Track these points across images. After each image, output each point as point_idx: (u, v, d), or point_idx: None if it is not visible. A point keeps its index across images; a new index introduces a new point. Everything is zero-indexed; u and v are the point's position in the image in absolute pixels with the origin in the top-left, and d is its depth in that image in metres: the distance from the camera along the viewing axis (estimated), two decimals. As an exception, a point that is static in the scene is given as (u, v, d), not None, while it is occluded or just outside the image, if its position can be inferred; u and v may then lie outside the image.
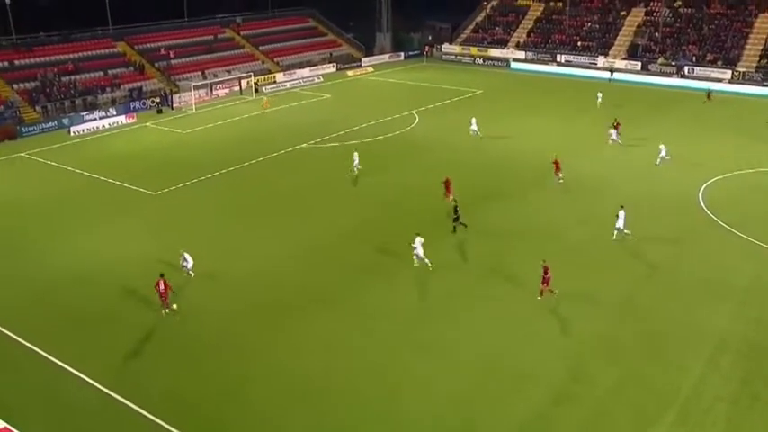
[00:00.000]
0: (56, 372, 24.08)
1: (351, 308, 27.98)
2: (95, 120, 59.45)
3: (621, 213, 32.63)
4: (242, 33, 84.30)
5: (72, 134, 56.32)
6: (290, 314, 27.46)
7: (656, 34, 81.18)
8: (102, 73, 67.56)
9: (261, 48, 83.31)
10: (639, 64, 78.07)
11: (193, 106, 64.81)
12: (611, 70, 78.02)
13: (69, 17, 73.00)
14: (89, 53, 69.91)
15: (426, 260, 30.32)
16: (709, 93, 65.17)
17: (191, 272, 30.14)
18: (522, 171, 43.85)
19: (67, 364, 24.35)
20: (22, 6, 65.74)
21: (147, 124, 59.69)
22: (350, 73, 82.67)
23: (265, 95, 68.44)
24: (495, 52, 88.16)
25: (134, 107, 63.69)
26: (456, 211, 34.40)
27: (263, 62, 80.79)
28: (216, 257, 32.26)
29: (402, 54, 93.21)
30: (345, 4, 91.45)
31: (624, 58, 79.73)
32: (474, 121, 51.24)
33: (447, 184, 37.98)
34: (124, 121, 60.14)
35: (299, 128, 55.05)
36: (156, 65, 72.92)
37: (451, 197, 36.89)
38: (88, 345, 25.62)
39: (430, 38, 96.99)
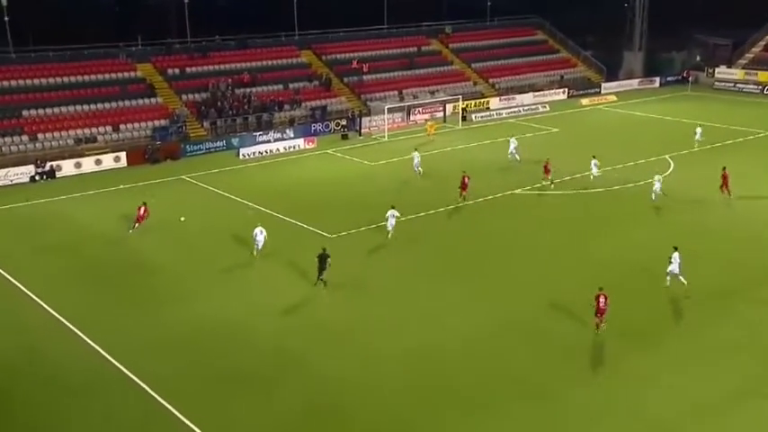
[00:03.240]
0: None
1: (556, 406, 26.35)
2: (269, 142, 62.64)
3: (675, 256, 33.81)
4: (451, 46, 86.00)
5: (241, 157, 59.48)
6: (473, 408, 26.21)
7: None
8: (281, 86, 71.53)
9: (473, 65, 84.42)
10: None
11: (385, 133, 66.25)
12: None
13: (250, 20, 78.28)
14: (269, 62, 74.45)
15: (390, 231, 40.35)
16: None
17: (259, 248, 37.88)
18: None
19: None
20: (199, 6, 71.43)
21: (329, 151, 61.74)
22: (585, 101, 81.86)
23: (432, 120, 69.09)
24: None
25: (315, 130, 66.42)
26: (323, 260, 34.46)
27: (474, 83, 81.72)
28: (393, 324, 31.96)
29: (657, 80, 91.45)
30: (586, 14, 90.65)
31: None
32: None
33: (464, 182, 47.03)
34: (302, 146, 62.66)
35: (512, 168, 55.00)
36: (346, 80, 75.78)
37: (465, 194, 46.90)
38: (232, 412, 26.08)
39: (698, 58, 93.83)
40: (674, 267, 33.91)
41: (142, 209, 42.25)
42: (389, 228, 40.87)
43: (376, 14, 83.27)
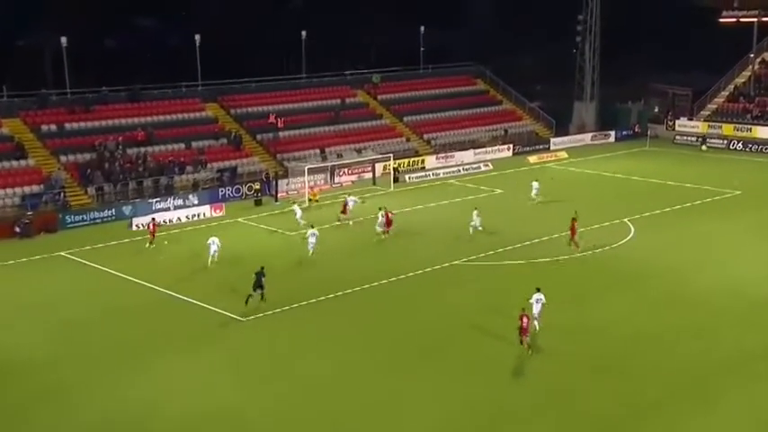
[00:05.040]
0: None
1: None
2: (169, 210, 61.13)
3: (538, 297, 37.71)
4: (380, 98, 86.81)
5: (134, 228, 57.63)
6: None
7: None
8: (182, 145, 70.61)
9: (405, 119, 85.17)
10: None
11: (306, 197, 65.25)
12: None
13: (144, 67, 76.93)
14: (167, 117, 73.58)
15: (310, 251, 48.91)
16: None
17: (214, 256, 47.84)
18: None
19: None
20: (82, 52, 69.69)
21: (240, 220, 60.50)
22: (532, 159, 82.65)
23: (316, 187, 68.53)
24: (764, 132, 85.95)
25: (224, 195, 65.52)
26: (260, 277, 41.32)
27: (407, 139, 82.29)
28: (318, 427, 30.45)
29: (612, 134, 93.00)
30: (531, 61, 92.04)
31: None
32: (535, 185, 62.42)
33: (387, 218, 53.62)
34: (208, 214, 61.38)
35: (455, 235, 54.82)
36: (259, 137, 75.27)
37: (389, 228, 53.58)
38: None
39: (656, 109, 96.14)
40: (536, 309, 37.33)
41: (151, 225, 52.62)
42: (310, 248, 48.96)
43: (293, 62, 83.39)
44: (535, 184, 63.11)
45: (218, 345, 37.79)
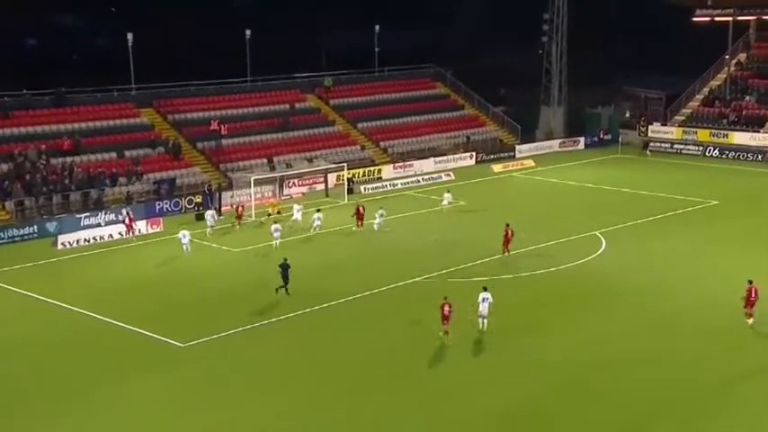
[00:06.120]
0: None
1: None
2: (99, 226, 59.98)
3: (485, 296, 40.22)
4: (332, 102, 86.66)
5: (59, 247, 56.43)
6: None
7: None
8: (114, 154, 69.45)
9: (360, 125, 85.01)
10: None
11: (252, 210, 64.61)
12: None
13: (70, 68, 74.92)
14: (97, 123, 72.39)
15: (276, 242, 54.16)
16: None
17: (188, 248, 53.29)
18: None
19: None
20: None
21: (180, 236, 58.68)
22: (496, 167, 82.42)
23: (275, 200, 67.84)
24: (741, 138, 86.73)
25: (161, 209, 64.68)
26: (286, 269, 45.07)
27: (362, 147, 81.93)
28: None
29: (582, 140, 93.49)
30: (494, 63, 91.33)
31: None
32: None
33: (359, 212, 58.55)
34: (144, 230, 60.14)
35: (413, 251, 55.07)
36: (200, 145, 74.57)
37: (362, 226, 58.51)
38: None
39: (628, 114, 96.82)
40: (483, 308, 39.64)
41: (127, 220, 57.20)
42: (275, 241, 54.08)
43: (237, 64, 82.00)
44: (447, 195, 65.34)
45: (154, 373, 36.99)
